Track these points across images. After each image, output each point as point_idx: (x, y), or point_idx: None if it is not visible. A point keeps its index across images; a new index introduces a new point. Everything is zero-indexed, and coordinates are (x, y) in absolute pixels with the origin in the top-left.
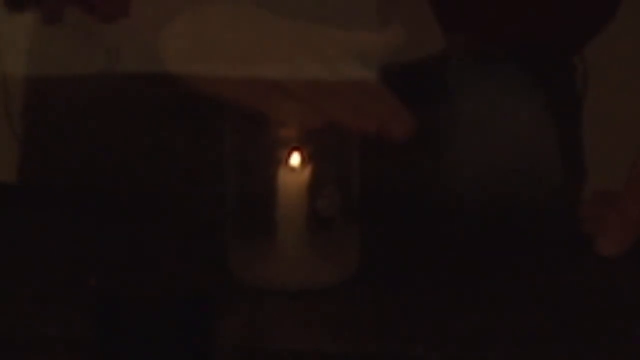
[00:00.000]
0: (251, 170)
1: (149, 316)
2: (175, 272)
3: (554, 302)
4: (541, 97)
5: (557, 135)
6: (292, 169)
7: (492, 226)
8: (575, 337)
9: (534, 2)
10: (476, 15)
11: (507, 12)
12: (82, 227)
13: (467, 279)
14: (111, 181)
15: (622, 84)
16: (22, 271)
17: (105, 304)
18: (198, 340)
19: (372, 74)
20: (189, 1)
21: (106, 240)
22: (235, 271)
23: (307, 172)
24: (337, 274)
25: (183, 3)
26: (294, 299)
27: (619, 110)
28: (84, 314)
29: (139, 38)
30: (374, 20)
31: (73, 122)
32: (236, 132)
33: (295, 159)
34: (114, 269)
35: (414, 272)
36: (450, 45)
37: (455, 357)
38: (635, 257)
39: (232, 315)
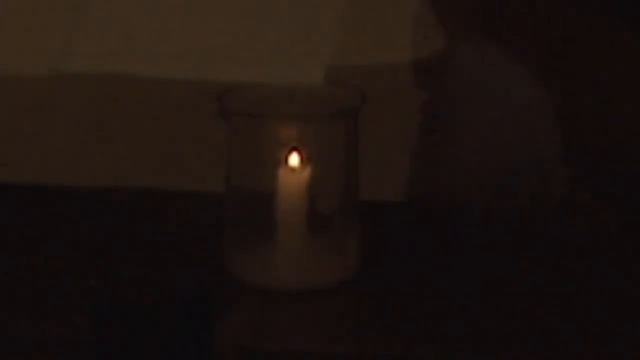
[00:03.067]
0: (251, 170)
1: (149, 316)
2: (175, 272)
3: (554, 302)
4: (545, 93)
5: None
6: (292, 169)
7: (493, 226)
8: (575, 337)
9: None
10: None
11: None
12: (82, 227)
13: (467, 279)
14: (111, 181)
15: None
16: (22, 271)
17: (105, 304)
18: (198, 340)
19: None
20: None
21: (106, 240)
22: (235, 271)
23: (307, 172)
24: (337, 274)
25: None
26: (294, 299)
27: None
28: (84, 314)
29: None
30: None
31: (68, 121)
32: (236, 132)
33: (295, 159)
34: (114, 269)
35: (414, 272)
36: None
37: (455, 357)
38: (635, 257)
39: (232, 315)
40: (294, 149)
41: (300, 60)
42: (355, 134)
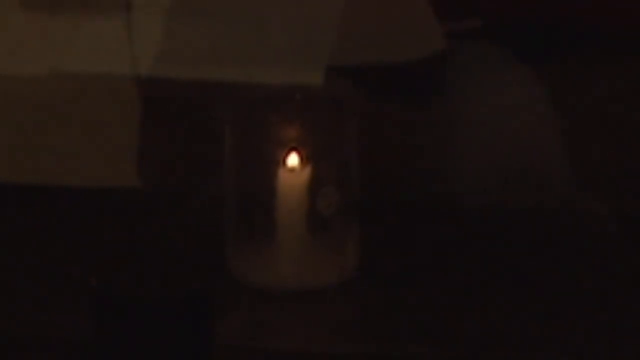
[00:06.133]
0: (251, 170)
1: (149, 316)
2: (175, 272)
3: (554, 302)
4: (545, 94)
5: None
6: (292, 170)
7: (492, 226)
8: (575, 337)
9: None
10: None
11: None
12: (82, 227)
13: (467, 278)
14: (111, 181)
15: None
16: (22, 271)
17: (105, 304)
18: (198, 340)
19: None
20: None
21: (106, 240)
22: (235, 271)
23: (306, 172)
24: (337, 274)
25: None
26: (294, 299)
27: None
28: (84, 314)
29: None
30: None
31: (68, 121)
32: (236, 132)
33: (294, 160)
34: (114, 269)
35: (414, 272)
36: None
37: (455, 357)
38: (634, 257)
39: (232, 315)
40: (294, 149)
41: (300, 60)
42: (355, 134)
